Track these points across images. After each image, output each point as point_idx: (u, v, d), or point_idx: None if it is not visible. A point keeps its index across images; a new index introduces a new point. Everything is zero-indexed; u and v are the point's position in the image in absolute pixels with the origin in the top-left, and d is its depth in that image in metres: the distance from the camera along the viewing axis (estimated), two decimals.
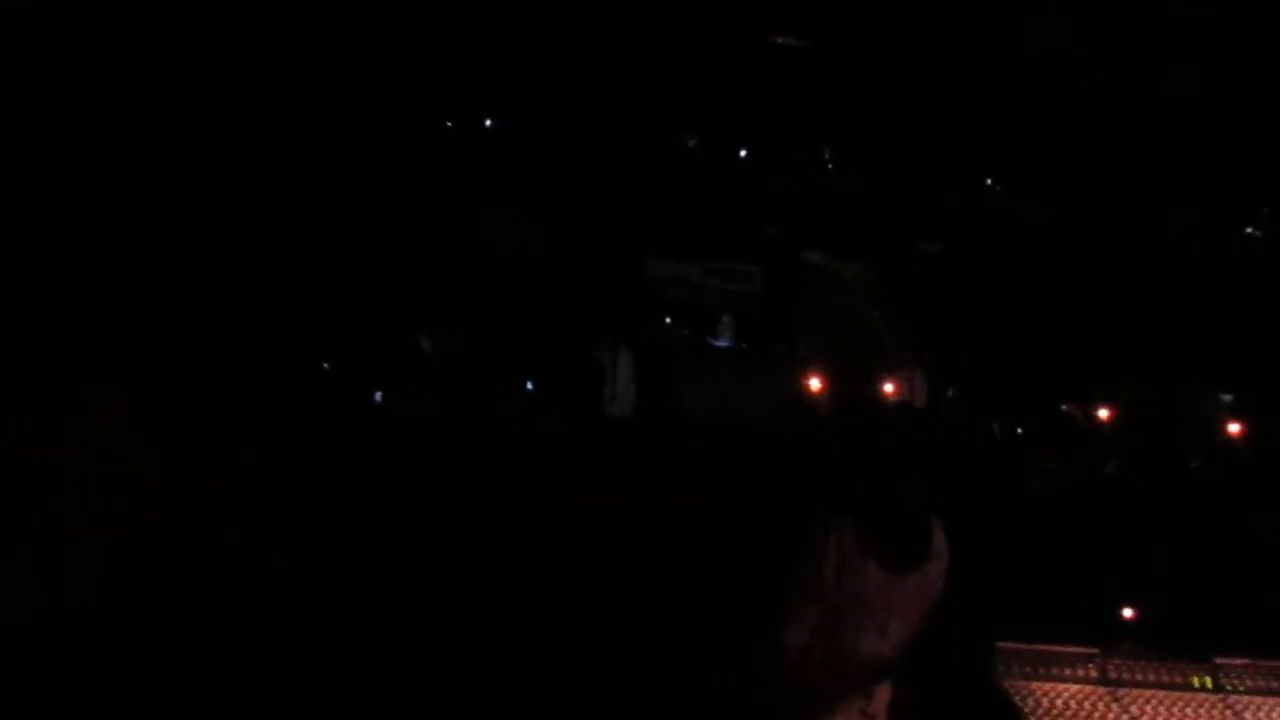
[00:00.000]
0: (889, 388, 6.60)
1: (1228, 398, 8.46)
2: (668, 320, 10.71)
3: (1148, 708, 2.76)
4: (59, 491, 3.52)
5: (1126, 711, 2.74)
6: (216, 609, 3.53)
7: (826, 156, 11.67)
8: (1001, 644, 2.80)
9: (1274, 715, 2.77)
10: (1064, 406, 6.77)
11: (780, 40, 9.99)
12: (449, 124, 10.83)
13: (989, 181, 11.21)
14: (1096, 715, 2.72)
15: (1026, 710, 2.68)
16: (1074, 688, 2.80)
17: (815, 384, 7.09)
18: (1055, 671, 2.83)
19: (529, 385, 8.10)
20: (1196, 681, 2.87)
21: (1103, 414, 7.11)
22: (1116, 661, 2.86)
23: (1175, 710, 2.76)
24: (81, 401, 3.60)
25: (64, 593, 3.41)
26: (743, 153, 11.64)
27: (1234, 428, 6.04)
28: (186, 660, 3.38)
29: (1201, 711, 2.77)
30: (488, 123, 11.12)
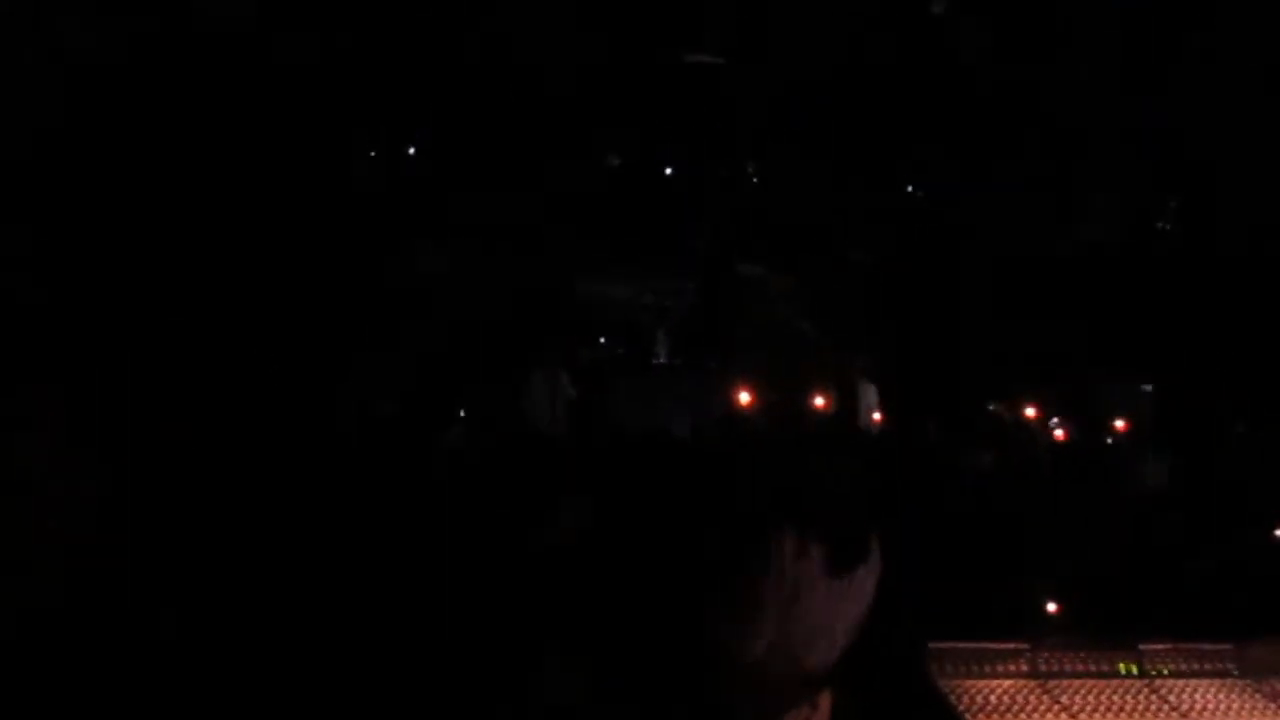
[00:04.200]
0: (821, 398, 6.70)
1: (1148, 388, 8.69)
2: (602, 340, 10.75)
3: (1078, 696, 2.85)
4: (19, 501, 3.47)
5: (1058, 701, 2.83)
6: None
7: (750, 171, 11.80)
8: (934, 644, 2.87)
9: (1197, 697, 2.88)
10: (991, 406, 6.91)
11: (696, 59, 10.10)
12: (373, 154, 10.79)
13: (910, 189, 11.42)
14: (1029, 707, 2.79)
15: (961, 708, 2.75)
16: (1007, 683, 2.88)
17: (746, 397, 7.17)
18: (988, 668, 2.90)
19: (461, 412, 8.08)
20: (1123, 668, 2.96)
21: (1030, 411, 7.27)
22: (1046, 654, 2.94)
23: (1104, 697, 2.85)
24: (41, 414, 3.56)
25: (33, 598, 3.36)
26: (668, 170, 11.73)
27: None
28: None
29: (1129, 697, 2.86)
30: (411, 151, 11.09)
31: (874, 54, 10.06)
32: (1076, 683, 2.91)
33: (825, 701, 2.97)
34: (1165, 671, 2.97)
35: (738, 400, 7.24)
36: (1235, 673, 2.98)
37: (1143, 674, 2.96)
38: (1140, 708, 2.82)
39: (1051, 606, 3.26)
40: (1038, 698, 2.84)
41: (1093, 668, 2.96)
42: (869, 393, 7.08)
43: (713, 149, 11.41)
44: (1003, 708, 2.78)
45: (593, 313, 10.82)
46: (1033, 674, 2.92)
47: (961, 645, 2.90)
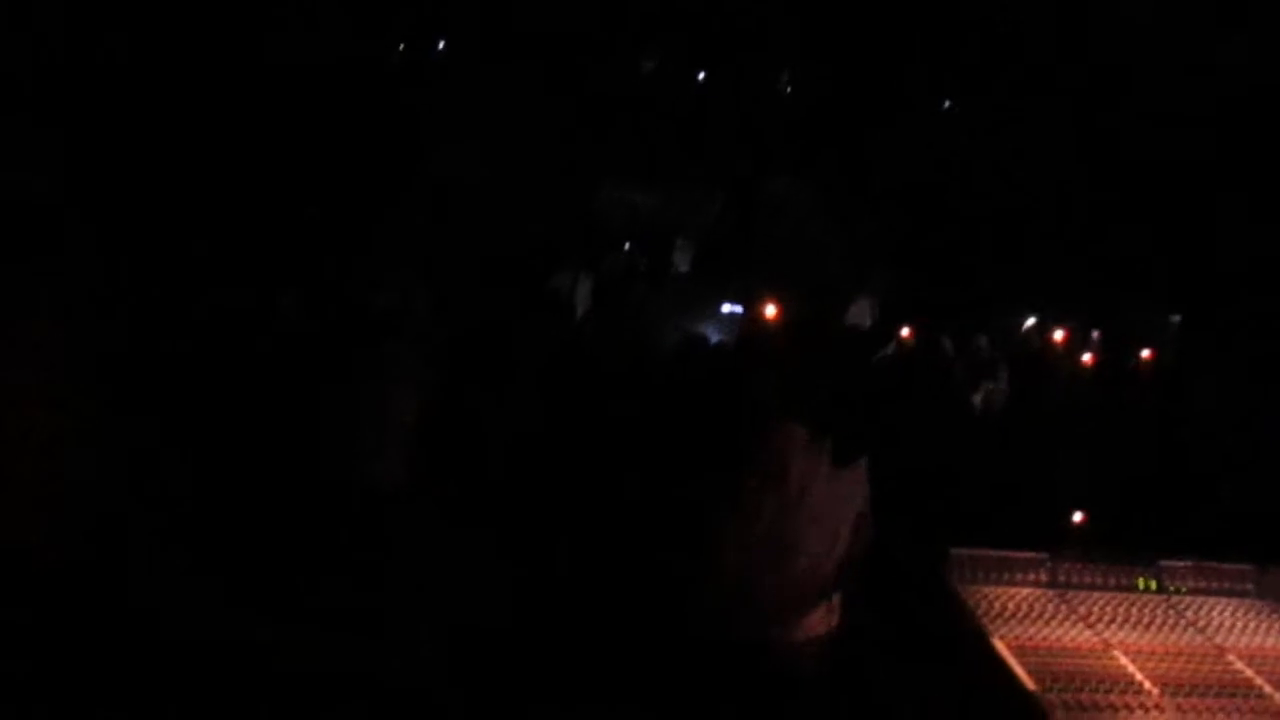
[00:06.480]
0: (841, 311, 6.68)
1: (1176, 319, 8.62)
2: (626, 245, 10.67)
3: (1095, 608, 2.86)
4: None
5: (1075, 612, 2.84)
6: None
7: (785, 80, 11.59)
8: (956, 550, 2.89)
9: (1214, 614, 2.89)
10: (1014, 322, 6.89)
11: None
12: (401, 48, 10.62)
13: (946, 104, 11.22)
14: (1047, 615, 2.81)
15: (979, 612, 2.77)
16: (1025, 590, 2.90)
17: (770, 309, 7.13)
18: (1007, 576, 2.92)
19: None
20: (1141, 583, 2.98)
21: (1058, 335, 7.25)
22: (1066, 565, 2.96)
23: (1121, 610, 2.86)
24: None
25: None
26: (700, 76, 11.53)
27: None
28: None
29: (1146, 611, 2.87)
30: (441, 45, 10.92)
31: None
32: (1095, 594, 2.92)
33: (838, 603, 3.00)
34: (1184, 589, 2.98)
35: (759, 310, 7.21)
36: (1254, 593, 3.00)
37: (1161, 590, 2.97)
38: (1157, 622, 2.83)
39: (1077, 516, 3.26)
40: (1055, 607, 2.85)
41: (1111, 581, 2.97)
42: (869, 304, 7.06)
43: (746, 58, 11.20)
44: (1020, 614, 2.79)
45: (617, 219, 10.73)
46: (1052, 584, 2.93)
47: (982, 552, 2.92)
